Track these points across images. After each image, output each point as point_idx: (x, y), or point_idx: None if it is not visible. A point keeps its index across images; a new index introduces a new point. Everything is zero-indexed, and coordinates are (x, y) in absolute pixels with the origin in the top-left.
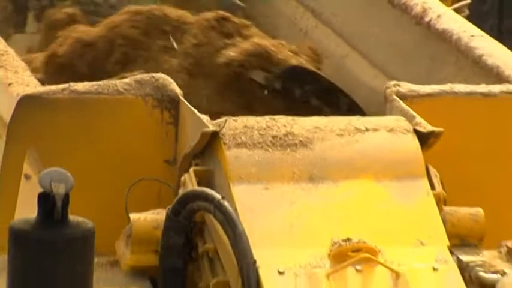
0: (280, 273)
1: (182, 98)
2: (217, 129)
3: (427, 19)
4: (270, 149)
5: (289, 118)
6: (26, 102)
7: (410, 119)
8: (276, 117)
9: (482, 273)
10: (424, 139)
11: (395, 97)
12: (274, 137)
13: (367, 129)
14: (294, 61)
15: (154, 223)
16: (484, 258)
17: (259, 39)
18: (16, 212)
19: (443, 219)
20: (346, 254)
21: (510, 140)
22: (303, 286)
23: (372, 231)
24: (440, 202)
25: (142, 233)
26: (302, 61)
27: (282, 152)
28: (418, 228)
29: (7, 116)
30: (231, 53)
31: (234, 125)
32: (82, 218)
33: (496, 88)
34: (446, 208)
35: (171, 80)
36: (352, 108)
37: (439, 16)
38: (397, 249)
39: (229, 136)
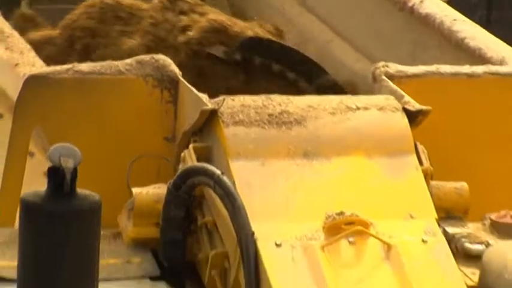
0: (277, 245)
1: (181, 78)
2: (216, 107)
3: (410, 4)
4: (266, 127)
5: (284, 97)
6: (32, 82)
7: (399, 98)
8: (272, 96)
9: (467, 244)
10: (413, 117)
11: (384, 77)
12: (270, 115)
13: (358, 108)
14: (250, 32)
15: (155, 197)
16: (469, 230)
17: (214, 15)
18: None
19: (431, 193)
20: (340, 227)
21: (492, 118)
22: (299, 257)
23: (363, 205)
24: (428, 177)
25: (144, 206)
26: (259, 32)
27: (278, 130)
28: (407, 202)
29: (14, 95)
30: (189, 32)
31: (232, 103)
32: (89, 191)
33: (479, 69)
34: (433, 182)
35: (170, 61)
36: (320, 75)
37: (421, 1)
38: (388, 222)
39: (227, 114)
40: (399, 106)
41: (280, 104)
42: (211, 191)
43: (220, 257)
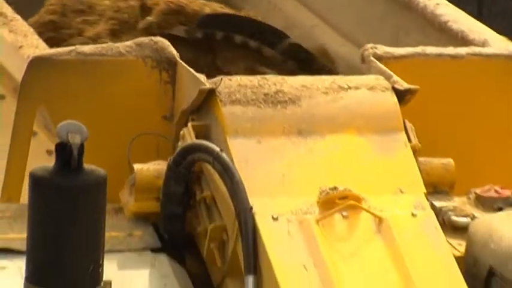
0: (274, 219)
1: (179, 60)
2: (214, 87)
3: None
4: (262, 106)
5: (279, 77)
6: (37, 63)
7: (387, 78)
8: (267, 76)
9: (454, 217)
10: (401, 96)
11: (372, 58)
12: (265, 94)
13: (349, 88)
14: (208, 9)
15: (155, 173)
16: (455, 204)
17: None
18: None
19: (419, 169)
20: (334, 201)
21: (475, 97)
22: (295, 231)
23: (356, 181)
24: (416, 153)
25: (145, 182)
26: (216, 8)
27: (273, 109)
28: (397, 178)
29: (19, 77)
30: (148, 17)
31: (229, 83)
32: (95, 167)
33: (462, 50)
34: (421, 159)
35: (168, 43)
36: (282, 40)
37: None
38: (379, 197)
39: (224, 94)
40: (388, 86)
41: (275, 84)
42: (210, 167)
43: (219, 230)
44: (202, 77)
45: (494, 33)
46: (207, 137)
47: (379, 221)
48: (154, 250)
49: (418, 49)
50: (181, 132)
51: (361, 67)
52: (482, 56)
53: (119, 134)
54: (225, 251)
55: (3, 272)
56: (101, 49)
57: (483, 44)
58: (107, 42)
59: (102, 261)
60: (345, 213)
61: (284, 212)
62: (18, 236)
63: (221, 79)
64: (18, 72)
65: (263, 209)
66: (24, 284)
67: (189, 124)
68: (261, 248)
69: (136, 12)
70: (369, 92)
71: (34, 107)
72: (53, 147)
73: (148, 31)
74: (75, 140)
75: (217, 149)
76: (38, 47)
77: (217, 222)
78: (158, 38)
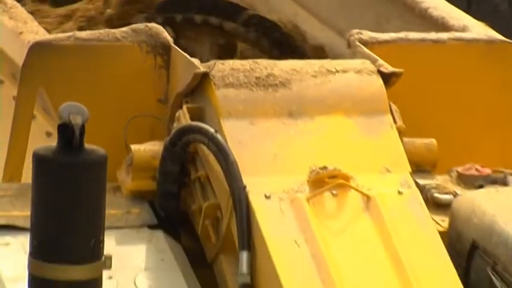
0: (266, 197)
1: (173, 45)
2: (208, 70)
3: None
4: (254, 89)
5: (270, 61)
6: (37, 48)
7: (373, 61)
8: (259, 60)
9: (437, 194)
10: (387, 79)
11: (358, 43)
12: (257, 78)
13: (337, 71)
14: None
15: (151, 153)
16: (438, 182)
17: None
18: None
19: (404, 148)
20: (323, 180)
21: (456, 80)
22: (287, 208)
23: (344, 160)
24: (401, 134)
25: (142, 161)
26: None
27: (265, 92)
28: (384, 157)
29: (19, 61)
30: (108, 10)
31: (222, 67)
32: (96, 146)
33: (444, 35)
34: (405, 139)
35: (163, 29)
36: (241, 12)
37: None
38: (367, 176)
39: (218, 77)
40: (374, 69)
41: (266, 68)
42: (205, 148)
43: (213, 207)
44: (196, 61)
45: (473, 19)
46: (201, 119)
47: (367, 198)
48: (151, 227)
49: (402, 34)
50: (177, 114)
51: (344, 53)
52: (463, 40)
53: (116, 116)
54: (219, 228)
55: (7, 248)
56: (99, 34)
57: (463, 29)
58: None
59: (103, 237)
60: (334, 192)
61: (276, 191)
62: (21, 214)
63: (214, 63)
64: (18, 57)
65: (256, 187)
66: (29, 259)
67: (184, 106)
68: (254, 225)
69: (101, 8)
70: (355, 75)
71: (35, 90)
72: (51, 130)
73: (109, 23)
74: (76, 120)
75: (212, 130)
76: (37, 33)
77: (211, 201)
78: (153, 24)
